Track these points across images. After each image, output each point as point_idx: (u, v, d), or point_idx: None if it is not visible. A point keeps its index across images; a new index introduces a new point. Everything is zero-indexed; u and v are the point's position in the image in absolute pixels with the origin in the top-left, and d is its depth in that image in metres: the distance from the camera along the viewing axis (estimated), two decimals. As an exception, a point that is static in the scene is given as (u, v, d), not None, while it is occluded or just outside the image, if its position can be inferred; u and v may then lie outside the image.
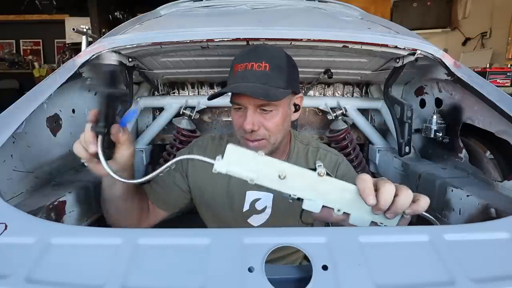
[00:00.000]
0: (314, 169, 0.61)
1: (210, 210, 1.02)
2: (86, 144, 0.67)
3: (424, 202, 0.56)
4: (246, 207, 0.99)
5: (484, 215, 0.85)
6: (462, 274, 0.46)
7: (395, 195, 0.55)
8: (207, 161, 0.63)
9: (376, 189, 0.56)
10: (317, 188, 0.60)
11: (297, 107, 0.93)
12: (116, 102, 0.68)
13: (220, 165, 0.61)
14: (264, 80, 0.81)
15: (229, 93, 0.89)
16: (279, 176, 0.60)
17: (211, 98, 0.89)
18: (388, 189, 0.55)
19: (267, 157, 0.61)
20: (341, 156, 1.04)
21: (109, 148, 0.71)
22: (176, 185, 1.01)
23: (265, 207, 0.99)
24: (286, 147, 1.00)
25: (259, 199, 0.99)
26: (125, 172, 0.76)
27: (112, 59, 0.62)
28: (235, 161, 0.61)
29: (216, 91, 1.59)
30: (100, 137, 0.65)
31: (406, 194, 0.55)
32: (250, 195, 0.99)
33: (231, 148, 0.60)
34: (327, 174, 0.60)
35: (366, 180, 0.57)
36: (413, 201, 0.56)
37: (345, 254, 0.48)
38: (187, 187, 1.02)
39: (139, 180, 0.65)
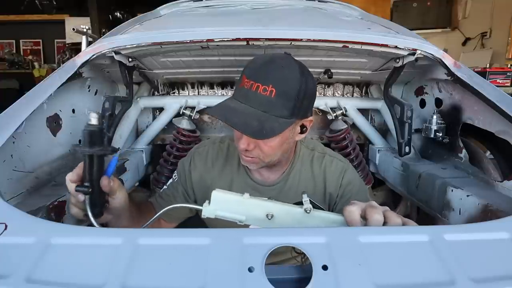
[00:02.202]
0: (302, 203, 0.61)
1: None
2: (77, 204, 0.67)
3: None
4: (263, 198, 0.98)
5: (484, 215, 0.85)
6: (462, 274, 0.46)
7: (384, 222, 0.56)
8: (194, 207, 0.66)
9: (365, 217, 0.57)
10: (305, 223, 0.61)
11: (303, 129, 0.87)
12: (101, 160, 0.66)
13: (208, 211, 0.63)
14: (265, 107, 0.74)
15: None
16: (267, 216, 0.62)
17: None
18: (376, 219, 0.56)
19: (253, 199, 0.62)
20: (347, 163, 1.01)
21: (101, 202, 0.70)
22: (180, 197, 1.01)
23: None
24: (290, 155, 0.97)
25: None
26: (122, 216, 0.77)
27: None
28: (222, 206, 0.63)
29: (216, 91, 1.59)
30: (87, 197, 0.65)
31: (395, 222, 0.56)
32: None
33: (216, 194, 0.62)
34: (315, 206, 0.61)
35: (353, 211, 0.57)
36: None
37: (345, 254, 0.48)
38: (193, 198, 1.02)
39: None
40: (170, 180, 1.05)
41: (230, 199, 0.62)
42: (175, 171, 1.05)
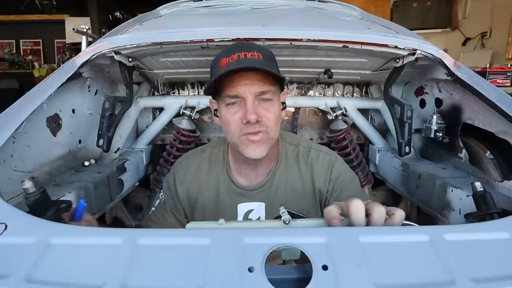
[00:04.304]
0: (280, 217, 0.59)
1: None
2: None
3: (399, 216, 0.55)
4: (239, 220, 0.95)
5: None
6: (462, 274, 0.46)
7: (369, 214, 0.54)
8: None
9: (347, 214, 0.55)
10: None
11: (284, 105, 0.90)
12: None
13: None
14: (262, 65, 0.77)
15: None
16: None
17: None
18: (358, 214, 0.53)
19: (229, 222, 0.60)
20: (335, 155, 0.98)
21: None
22: (170, 216, 0.98)
23: (259, 218, 0.95)
24: (275, 150, 0.95)
25: (252, 210, 0.95)
26: None
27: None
28: None
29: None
30: None
31: (379, 212, 0.54)
32: (242, 208, 0.95)
33: (191, 226, 0.60)
34: (294, 216, 0.59)
35: (331, 210, 0.56)
36: (388, 215, 0.55)
37: (345, 254, 0.48)
38: (183, 211, 0.99)
39: None
40: (157, 201, 1.02)
41: (206, 229, 0.60)
42: (162, 190, 1.03)
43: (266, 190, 0.94)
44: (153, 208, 1.03)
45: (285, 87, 0.90)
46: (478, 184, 0.82)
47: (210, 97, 0.91)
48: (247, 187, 0.95)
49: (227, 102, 0.82)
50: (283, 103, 0.90)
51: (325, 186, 0.93)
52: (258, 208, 0.95)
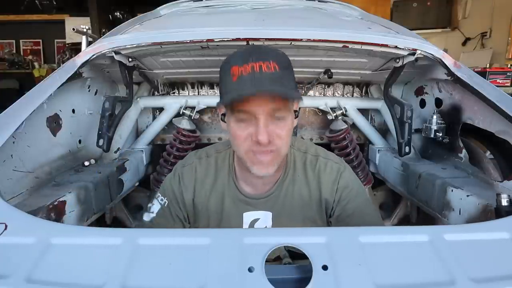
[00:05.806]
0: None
1: None
2: None
3: None
4: None
5: (484, 215, 0.85)
6: (462, 274, 0.46)
7: None
8: None
9: None
10: None
11: (296, 113, 0.84)
12: None
13: None
14: (278, 83, 0.71)
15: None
16: None
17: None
18: None
19: None
20: (343, 164, 0.94)
21: None
22: (178, 225, 0.94)
23: (265, 227, 0.92)
24: (284, 159, 0.89)
25: (258, 219, 0.92)
26: None
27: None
28: None
29: (215, 91, 1.58)
30: None
31: None
32: (248, 216, 0.92)
33: None
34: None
35: None
36: None
37: (345, 254, 0.48)
38: (186, 216, 0.95)
39: None
40: (158, 207, 0.94)
41: None
42: (160, 194, 0.95)
43: (274, 199, 0.91)
44: (153, 215, 0.95)
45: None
46: (505, 197, 0.71)
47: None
48: (254, 195, 0.91)
49: (238, 118, 0.76)
50: (296, 110, 0.84)
51: (332, 196, 0.90)
52: (264, 217, 0.92)
